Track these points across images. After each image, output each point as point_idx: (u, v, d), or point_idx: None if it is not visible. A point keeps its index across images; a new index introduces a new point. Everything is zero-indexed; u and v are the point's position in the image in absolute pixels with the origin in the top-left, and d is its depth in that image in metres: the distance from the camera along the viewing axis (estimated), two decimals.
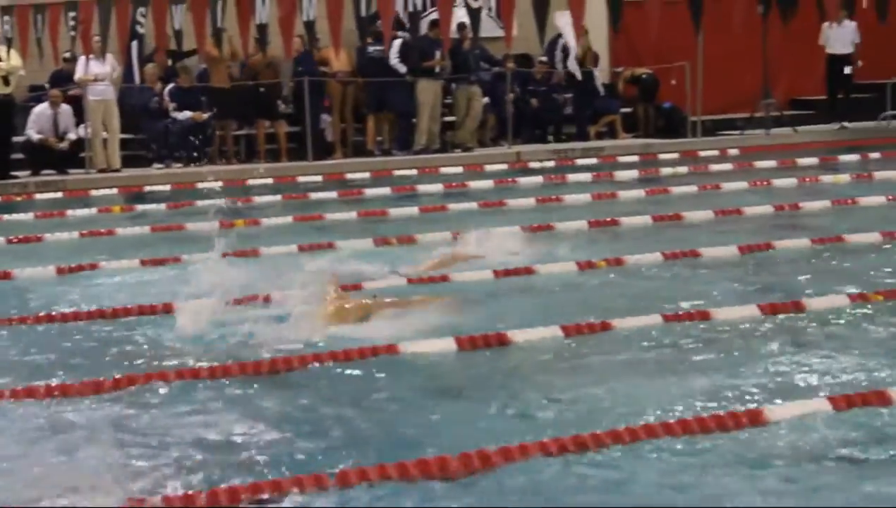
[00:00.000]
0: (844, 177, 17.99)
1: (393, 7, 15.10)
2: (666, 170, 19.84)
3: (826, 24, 24.31)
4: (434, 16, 20.47)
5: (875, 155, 20.81)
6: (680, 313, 9.39)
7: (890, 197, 15.26)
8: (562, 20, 21.46)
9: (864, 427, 6.83)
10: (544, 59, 23.82)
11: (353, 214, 15.54)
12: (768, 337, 8.88)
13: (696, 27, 8.86)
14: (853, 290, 10.05)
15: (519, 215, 15.06)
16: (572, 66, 23.73)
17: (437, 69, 22.34)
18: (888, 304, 9.69)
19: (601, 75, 24.39)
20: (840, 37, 24.79)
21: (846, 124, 24.92)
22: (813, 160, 20.30)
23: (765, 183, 17.58)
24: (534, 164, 21.41)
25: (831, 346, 8.59)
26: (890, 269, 11.14)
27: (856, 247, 12.16)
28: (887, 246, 12.23)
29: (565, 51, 23.79)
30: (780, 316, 9.38)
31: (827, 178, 17.94)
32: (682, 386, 7.71)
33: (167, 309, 9.95)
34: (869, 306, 9.63)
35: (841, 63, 24.98)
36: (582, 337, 8.91)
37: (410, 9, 16.89)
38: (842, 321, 9.28)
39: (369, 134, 22.74)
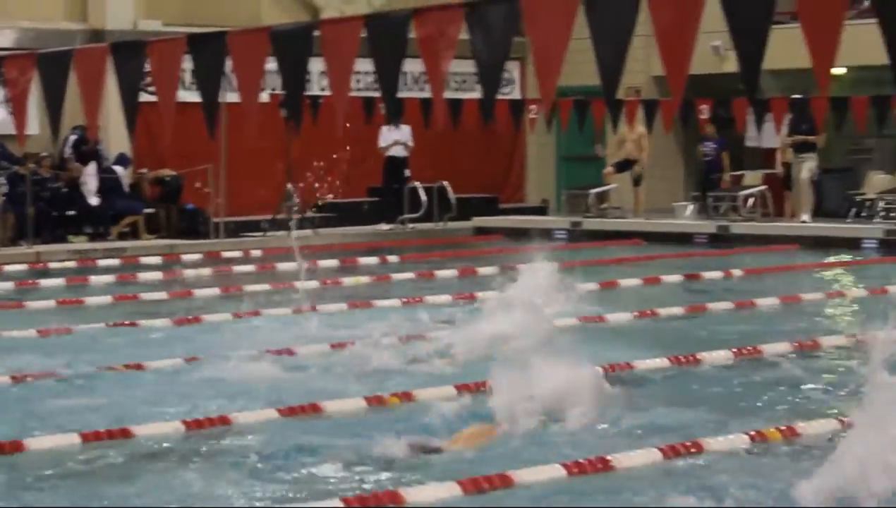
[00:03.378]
0: (364, 279, 18.45)
1: None
2: (189, 272, 19.79)
3: (384, 127, 25.12)
4: None
5: (393, 258, 21.45)
6: (200, 418, 9.37)
7: (404, 299, 15.75)
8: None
9: None
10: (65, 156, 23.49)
11: None
12: (286, 443, 8.97)
13: (210, 131, 8.93)
14: (369, 393, 10.26)
15: (39, 317, 14.67)
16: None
17: None
18: (404, 406, 9.94)
19: (126, 175, 24.20)
20: (396, 139, 25.65)
21: (389, 225, 25.77)
22: (334, 262, 20.71)
23: (289, 284, 17.78)
24: (54, 265, 20.93)
25: (345, 449, 8.76)
26: (404, 374, 11.43)
27: (372, 350, 12.41)
28: (403, 348, 12.55)
29: (77, 148, 23.60)
30: (298, 418, 9.50)
31: (348, 281, 18.35)
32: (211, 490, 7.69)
33: None
34: (386, 409, 9.87)
35: (399, 165, 25.81)
36: (101, 442, 8.83)
37: None
38: (357, 423, 9.47)
39: None
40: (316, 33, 8.36)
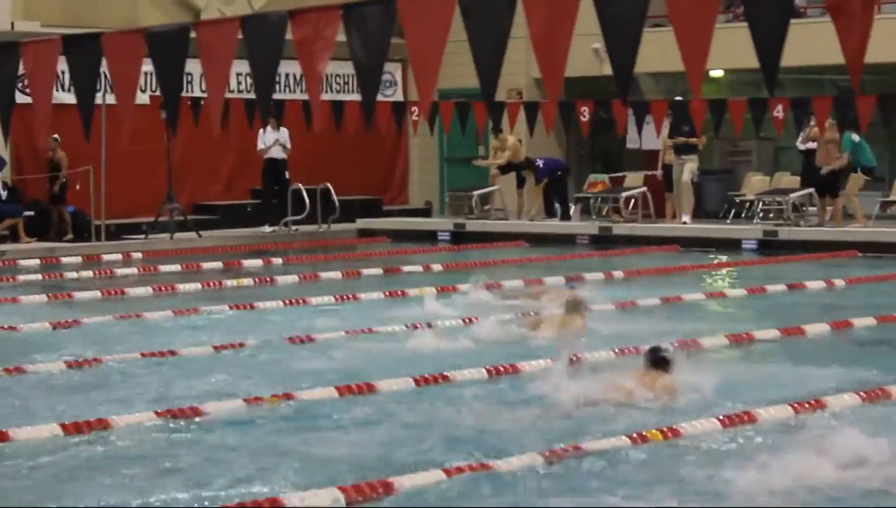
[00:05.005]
0: (247, 282, 18.37)
1: None
2: (70, 275, 19.58)
3: (262, 130, 25.00)
4: None
5: (277, 260, 21.37)
6: (78, 422, 9.30)
7: (288, 301, 15.73)
8: None
9: None
10: None
11: None
12: (171, 443, 8.98)
13: (85, 133, 8.86)
14: (252, 394, 10.24)
15: None
16: None
17: None
18: (282, 406, 9.93)
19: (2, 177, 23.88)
20: (276, 138, 25.57)
21: (272, 227, 25.68)
22: (217, 264, 20.60)
23: (169, 288, 17.66)
24: None
25: (228, 450, 8.78)
26: (294, 372, 11.43)
27: (256, 352, 12.40)
28: (292, 349, 12.53)
29: None
30: (179, 421, 9.47)
31: (230, 283, 18.25)
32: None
33: None
34: (265, 408, 9.86)
35: (278, 167, 25.72)
36: None
37: None
38: (240, 424, 9.46)
39: None
40: (193, 35, 8.33)
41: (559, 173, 26.41)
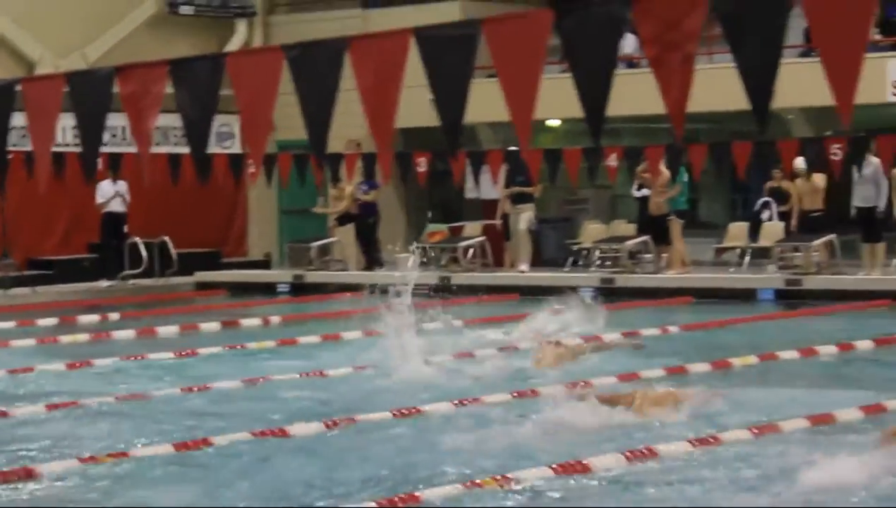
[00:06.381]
0: (83, 337, 18.09)
1: None
2: None
3: (99, 183, 24.72)
4: None
5: (114, 315, 21.08)
6: None
7: (125, 356, 15.55)
8: None
9: None
10: None
11: None
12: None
13: None
14: (85, 454, 10.12)
15: None
16: None
17: None
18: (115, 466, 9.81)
19: None
20: (117, 190, 25.33)
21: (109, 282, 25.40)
22: (52, 320, 20.25)
23: (2, 344, 17.31)
24: None
25: None
26: (128, 429, 11.31)
27: (91, 410, 12.22)
28: (126, 407, 12.38)
29: None
30: (10, 484, 9.30)
31: (65, 339, 17.95)
32: None
33: None
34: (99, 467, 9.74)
35: (118, 220, 25.50)
36: None
37: None
38: (72, 483, 9.33)
39: None
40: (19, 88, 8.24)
41: (370, 220, 26.56)
